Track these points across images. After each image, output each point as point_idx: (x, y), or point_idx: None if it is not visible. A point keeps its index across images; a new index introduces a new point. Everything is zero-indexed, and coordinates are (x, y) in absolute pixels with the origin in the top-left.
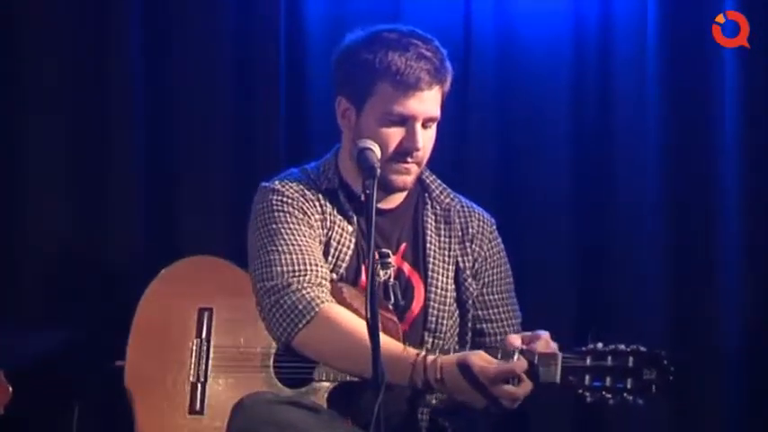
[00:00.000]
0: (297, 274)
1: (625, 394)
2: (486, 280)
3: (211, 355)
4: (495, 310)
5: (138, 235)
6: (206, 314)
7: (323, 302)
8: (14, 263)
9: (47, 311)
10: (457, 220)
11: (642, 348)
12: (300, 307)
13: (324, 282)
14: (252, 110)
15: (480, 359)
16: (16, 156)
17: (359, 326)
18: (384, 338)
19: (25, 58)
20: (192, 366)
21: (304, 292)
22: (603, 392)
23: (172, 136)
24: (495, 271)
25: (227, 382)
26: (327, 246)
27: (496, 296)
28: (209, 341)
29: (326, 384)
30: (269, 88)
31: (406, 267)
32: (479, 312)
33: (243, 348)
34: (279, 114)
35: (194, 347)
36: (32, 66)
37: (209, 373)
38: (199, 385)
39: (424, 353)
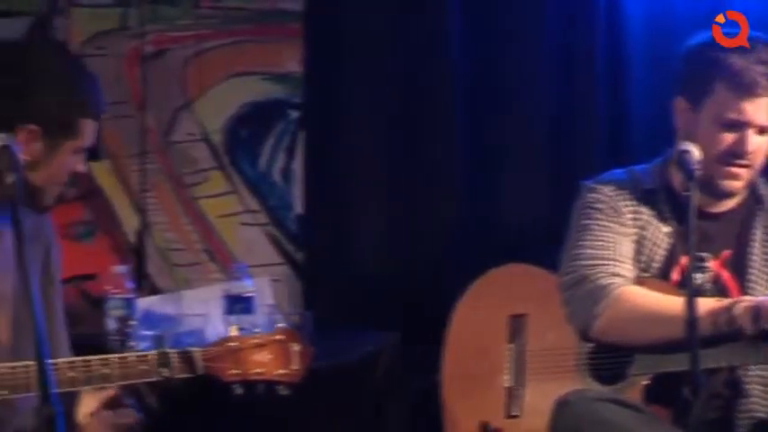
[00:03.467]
0: (593, 266)
1: None
2: None
3: (526, 359)
4: None
5: (460, 241)
6: (519, 320)
7: (618, 287)
8: (343, 269)
9: (372, 316)
10: None
11: None
12: (595, 293)
13: (621, 274)
14: (572, 110)
15: None
16: (335, 162)
17: (660, 299)
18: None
19: (345, 48)
20: (508, 371)
21: (598, 281)
22: None
23: (492, 137)
24: None
25: (542, 384)
26: (641, 245)
27: None
28: (523, 346)
29: (642, 380)
30: (588, 88)
31: (725, 275)
32: None
33: (557, 350)
34: (598, 114)
35: (509, 353)
36: (352, 60)
37: (524, 376)
38: (515, 389)
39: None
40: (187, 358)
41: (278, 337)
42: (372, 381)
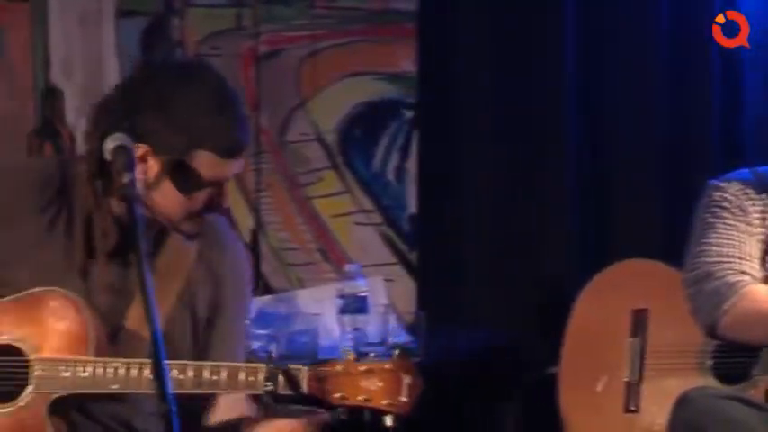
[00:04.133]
0: (719, 263)
1: None
2: None
3: (647, 354)
4: None
5: (572, 239)
6: (641, 315)
7: (747, 285)
8: (456, 269)
9: (484, 314)
10: None
11: None
12: (723, 290)
13: (748, 272)
14: (685, 109)
15: None
16: (448, 161)
17: None
18: None
19: (459, 47)
20: (627, 366)
21: (726, 279)
22: None
23: (604, 137)
24: None
25: (662, 380)
26: (767, 245)
27: None
28: (644, 341)
29: (766, 380)
30: (702, 88)
31: None
32: None
33: (678, 347)
34: (712, 114)
35: (629, 347)
36: (466, 59)
37: (644, 372)
38: (634, 384)
39: None
40: (292, 376)
41: (388, 366)
42: (485, 379)
